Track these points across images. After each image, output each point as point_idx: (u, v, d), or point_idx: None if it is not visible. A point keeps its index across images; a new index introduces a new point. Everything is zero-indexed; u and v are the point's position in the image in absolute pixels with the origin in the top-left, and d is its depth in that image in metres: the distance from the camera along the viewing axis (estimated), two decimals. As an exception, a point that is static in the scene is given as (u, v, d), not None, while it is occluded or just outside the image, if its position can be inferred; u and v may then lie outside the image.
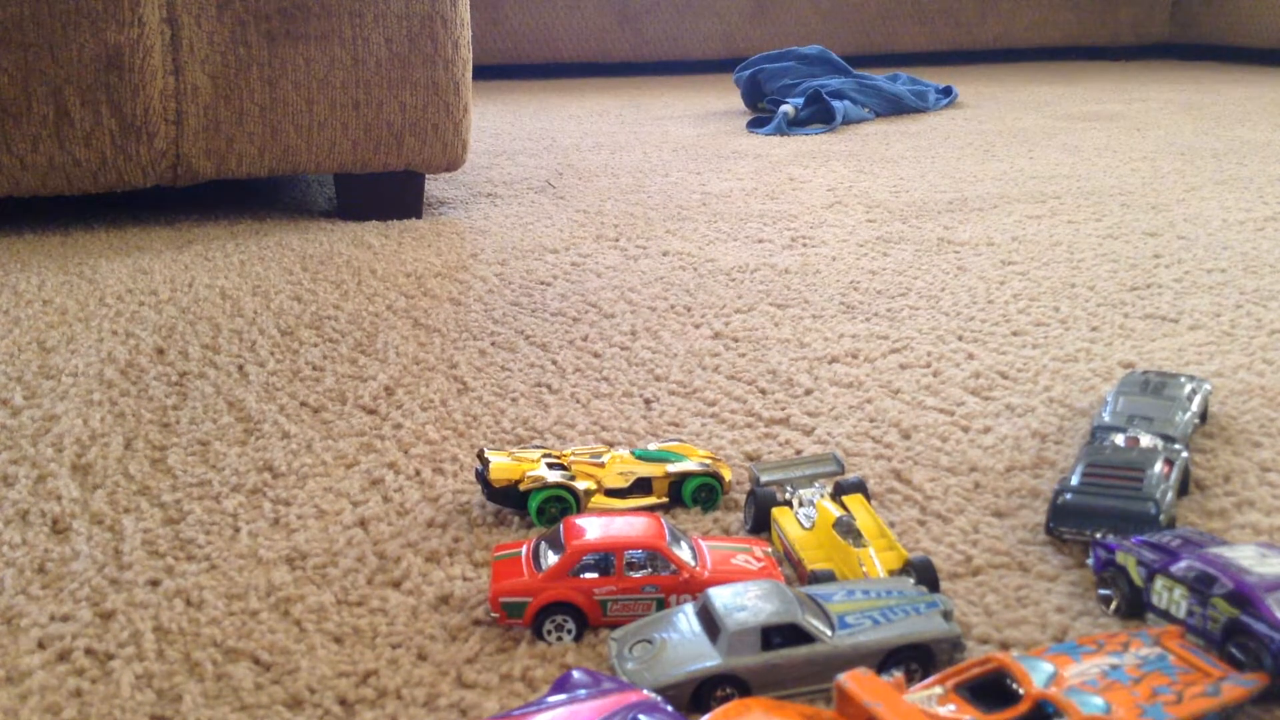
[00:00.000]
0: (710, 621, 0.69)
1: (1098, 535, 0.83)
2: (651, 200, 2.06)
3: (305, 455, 1.02)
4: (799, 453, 1.02)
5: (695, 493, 0.92)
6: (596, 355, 1.27)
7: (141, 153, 1.74)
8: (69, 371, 1.22)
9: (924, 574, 0.77)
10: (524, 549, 0.79)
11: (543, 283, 1.55)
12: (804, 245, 1.73)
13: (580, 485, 0.90)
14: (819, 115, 2.94)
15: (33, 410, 1.12)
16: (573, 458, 0.93)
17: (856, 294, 1.48)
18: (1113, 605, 0.76)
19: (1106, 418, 0.99)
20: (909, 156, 2.49)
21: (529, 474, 0.89)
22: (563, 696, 0.61)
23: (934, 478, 0.97)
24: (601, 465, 0.92)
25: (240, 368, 1.23)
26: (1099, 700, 0.62)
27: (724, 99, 3.49)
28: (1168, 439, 0.93)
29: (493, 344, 1.30)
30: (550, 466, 0.91)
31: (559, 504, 0.89)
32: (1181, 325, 1.35)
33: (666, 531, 0.78)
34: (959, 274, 1.57)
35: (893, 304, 1.44)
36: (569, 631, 0.74)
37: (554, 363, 1.24)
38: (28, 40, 1.66)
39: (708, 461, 0.93)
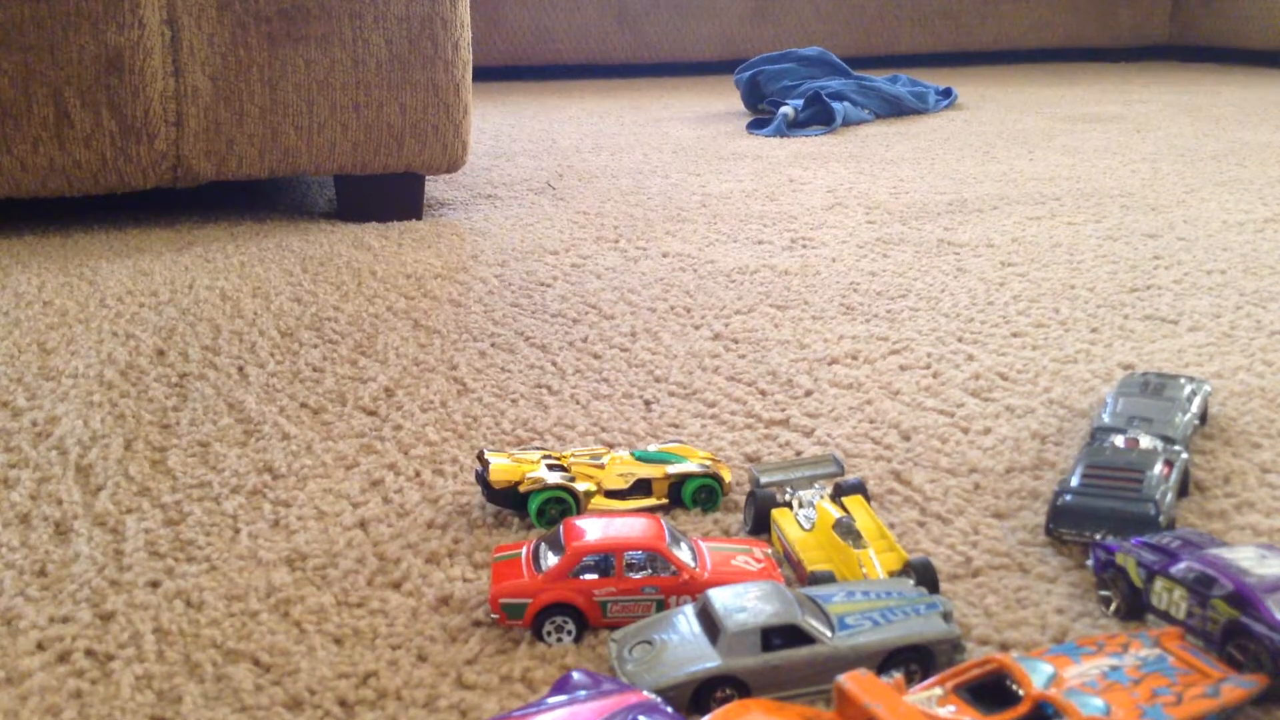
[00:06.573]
0: (710, 623, 0.69)
1: (1097, 536, 0.83)
2: (651, 202, 2.06)
3: (305, 456, 1.02)
4: (799, 454, 1.02)
5: (695, 494, 0.92)
6: (596, 356, 1.27)
7: (142, 154, 1.74)
8: (69, 373, 1.22)
9: (924, 575, 0.77)
10: (524, 550, 0.79)
11: (543, 284, 1.55)
12: (804, 247, 1.73)
13: (580, 486, 0.90)
14: (819, 117, 2.95)
15: (34, 412, 1.12)
16: (572, 459, 0.93)
17: (856, 295, 1.48)
18: (1112, 606, 0.77)
19: (1106, 419, 0.99)
20: (909, 158, 2.49)
21: (529, 475, 0.89)
22: (563, 698, 0.61)
23: (934, 479, 0.97)
24: (601, 467, 0.92)
25: (240, 369, 1.24)
26: (1099, 701, 0.62)
27: (724, 100, 3.49)
28: (1167, 440, 0.93)
29: (493, 345, 1.30)
30: (550, 468, 0.91)
31: (559, 505, 0.89)
32: (1181, 327, 1.35)
33: (666, 533, 0.78)
34: (959, 275, 1.57)
35: (892, 305, 1.44)
36: (569, 633, 0.74)
37: (554, 364, 1.24)
38: (28, 42, 1.66)
39: (707, 463, 0.93)
